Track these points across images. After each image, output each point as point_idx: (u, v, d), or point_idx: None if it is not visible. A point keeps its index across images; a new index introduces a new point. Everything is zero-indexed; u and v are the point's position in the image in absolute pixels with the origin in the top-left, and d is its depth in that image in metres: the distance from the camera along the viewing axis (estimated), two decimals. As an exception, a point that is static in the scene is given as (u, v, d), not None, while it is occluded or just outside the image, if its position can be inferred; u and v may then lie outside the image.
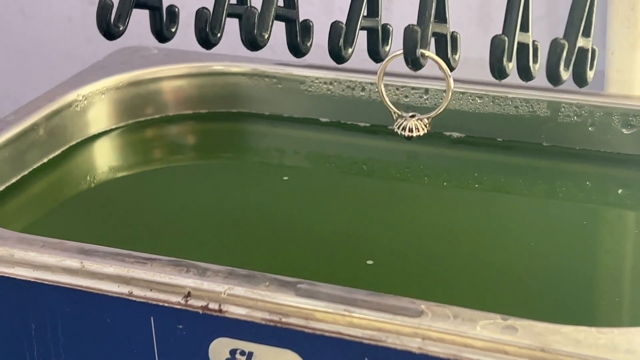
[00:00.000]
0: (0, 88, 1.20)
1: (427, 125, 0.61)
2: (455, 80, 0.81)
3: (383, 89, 0.61)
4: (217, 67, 0.86)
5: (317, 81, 0.84)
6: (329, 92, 0.84)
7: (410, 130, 0.61)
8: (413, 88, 0.81)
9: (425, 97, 0.81)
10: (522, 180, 0.78)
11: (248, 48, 0.62)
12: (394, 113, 0.61)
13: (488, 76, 0.85)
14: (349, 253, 0.68)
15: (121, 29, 0.64)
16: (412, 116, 0.61)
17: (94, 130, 0.83)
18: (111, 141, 0.84)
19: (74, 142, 0.81)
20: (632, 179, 0.76)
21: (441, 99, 0.81)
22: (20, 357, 0.61)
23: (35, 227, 0.71)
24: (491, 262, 0.67)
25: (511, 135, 0.80)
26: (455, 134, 0.81)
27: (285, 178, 0.78)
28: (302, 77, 0.84)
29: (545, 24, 0.94)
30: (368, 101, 0.83)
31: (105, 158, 0.83)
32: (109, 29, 0.63)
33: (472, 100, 0.80)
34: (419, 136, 0.61)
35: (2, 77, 1.19)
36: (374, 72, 0.74)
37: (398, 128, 0.61)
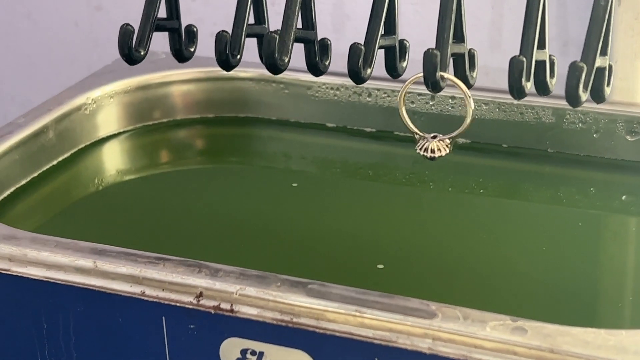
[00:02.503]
0: (5, 92, 1.21)
1: (449, 146, 0.62)
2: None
3: (405, 112, 0.62)
4: (225, 72, 0.86)
5: (324, 87, 0.85)
6: (336, 98, 0.85)
7: (433, 151, 0.61)
8: (420, 94, 0.82)
9: (431, 103, 0.82)
10: (527, 186, 0.78)
11: (270, 71, 0.62)
12: (416, 134, 0.62)
13: (493, 83, 0.86)
14: (359, 257, 0.68)
15: (142, 53, 0.65)
16: (434, 137, 0.62)
17: (102, 133, 0.84)
18: (120, 144, 0.85)
19: (83, 145, 0.82)
20: (636, 186, 0.76)
21: (447, 105, 0.82)
22: (32, 357, 0.61)
23: (44, 229, 0.71)
24: (497, 267, 0.67)
25: (516, 141, 0.80)
26: (461, 140, 0.81)
27: (295, 185, 0.78)
28: (309, 82, 0.85)
29: (555, 44, 0.95)
30: (374, 107, 0.84)
31: (113, 161, 0.84)
32: (131, 54, 0.64)
33: (478, 106, 0.81)
34: (441, 157, 0.61)
35: (8, 80, 1.20)
36: (380, 78, 0.75)
37: (420, 149, 0.62)
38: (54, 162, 0.79)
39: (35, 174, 0.77)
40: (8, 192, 0.74)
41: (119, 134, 0.85)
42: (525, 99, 0.79)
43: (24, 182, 0.76)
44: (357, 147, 0.85)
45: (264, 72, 0.86)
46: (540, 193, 0.77)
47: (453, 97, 0.81)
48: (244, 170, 0.85)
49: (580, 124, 0.78)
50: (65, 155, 0.80)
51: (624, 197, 0.76)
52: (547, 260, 0.68)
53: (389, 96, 0.83)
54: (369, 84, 0.83)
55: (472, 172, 0.80)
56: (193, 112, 0.88)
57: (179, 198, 0.78)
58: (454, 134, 0.61)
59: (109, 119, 0.84)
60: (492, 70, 0.91)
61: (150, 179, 0.82)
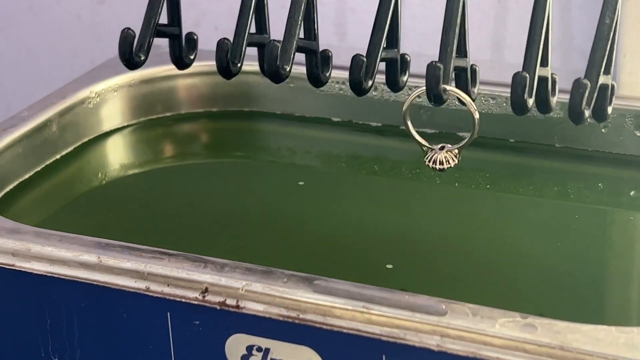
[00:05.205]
0: (7, 85, 1.20)
1: (457, 156, 0.61)
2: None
3: (410, 125, 0.61)
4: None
5: (329, 80, 0.84)
6: (341, 92, 0.84)
7: (441, 162, 0.61)
8: (426, 88, 0.81)
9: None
10: (534, 181, 0.78)
11: (271, 80, 0.62)
12: (424, 146, 0.62)
13: (500, 77, 0.85)
14: (367, 256, 0.68)
15: (142, 58, 0.65)
16: (442, 148, 0.62)
17: (106, 127, 0.84)
18: (123, 138, 0.84)
19: (86, 139, 0.82)
20: (644, 181, 0.76)
21: (452, 99, 0.81)
22: (35, 352, 0.61)
23: (48, 223, 0.71)
24: (505, 263, 0.67)
25: (524, 136, 0.80)
26: (468, 135, 0.81)
27: (300, 179, 0.78)
28: (314, 76, 0.84)
29: (559, 52, 0.95)
30: (380, 101, 0.83)
31: (117, 155, 0.84)
32: (131, 59, 0.64)
33: (485, 101, 0.80)
34: (450, 168, 0.61)
35: (10, 74, 1.19)
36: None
37: (429, 161, 0.61)
38: (58, 156, 0.79)
39: (39, 168, 0.77)
40: (11, 186, 0.74)
41: (123, 127, 0.85)
42: (533, 93, 0.79)
43: (27, 176, 0.75)
44: (363, 141, 0.84)
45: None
46: (548, 188, 0.77)
47: (460, 91, 0.80)
48: (249, 164, 0.84)
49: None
50: (69, 149, 0.80)
51: (632, 193, 0.75)
52: (555, 256, 0.68)
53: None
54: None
55: (479, 167, 0.79)
56: (197, 106, 0.87)
57: (183, 192, 0.78)
58: (461, 144, 0.61)
59: (112, 113, 0.84)
60: (498, 64, 0.91)
61: (155, 173, 0.81)
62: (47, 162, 0.77)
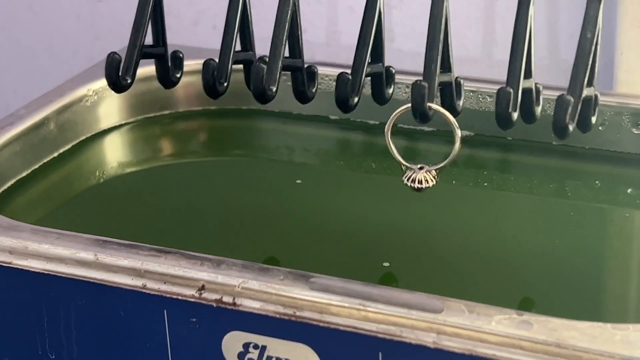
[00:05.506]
0: (6, 84, 1.20)
1: (436, 177, 0.62)
2: (465, 79, 0.82)
3: (391, 143, 0.62)
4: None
5: (326, 79, 0.84)
6: (338, 90, 0.84)
7: (420, 182, 0.62)
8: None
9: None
10: (532, 179, 0.78)
11: (258, 101, 0.63)
12: (403, 165, 0.62)
13: (497, 75, 0.85)
14: (364, 254, 0.68)
15: (129, 81, 0.65)
16: (421, 168, 0.62)
17: (104, 125, 0.84)
18: (121, 136, 0.84)
19: (84, 137, 0.82)
20: (641, 179, 0.76)
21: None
22: (33, 350, 0.61)
23: (45, 221, 0.70)
24: (502, 261, 0.67)
25: (521, 134, 0.80)
26: (465, 133, 0.81)
27: (298, 178, 0.78)
28: (312, 74, 0.84)
29: (546, 66, 0.95)
30: (377, 99, 0.83)
31: (115, 153, 0.84)
32: (118, 83, 0.64)
33: (482, 98, 0.80)
34: (428, 188, 0.62)
35: (9, 73, 1.19)
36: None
37: (407, 180, 0.62)
38: (55, 154, 0.79)
39: (36, 166, 0.77)
40: (9, 184, 0.74)
41: (121, 125, 0.85)
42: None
43: (24, 174, 0.75)
44: (361, 139, 0.84)
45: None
46: (546, 186, 0.77)
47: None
48: (247, 162, 0.84)
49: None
50: (67, 147, 0.80)
51: (629, 190, 0.75)
52: (552, 254, 0.68)
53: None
54: (372, 76, 0.83)
55: (477, 165, 0.79)
56: (195, 104, 0.87)
57: (180, 190, 0.78)
58: (440, 165, 0.61)
59: (110, 111, 0.84)
60: (496, 62, 0.91)
61: (152, 172, 0.81)
62: (45, 160, 0.77)
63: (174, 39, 0.75)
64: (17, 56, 1.18)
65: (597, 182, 0.76)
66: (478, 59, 0.98)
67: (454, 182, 0.78)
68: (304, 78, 0.65)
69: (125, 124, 0.85)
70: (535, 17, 0.60)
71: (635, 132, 0.77)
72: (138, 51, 0.64)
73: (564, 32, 0.90)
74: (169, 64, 0.68)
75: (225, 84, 0.65)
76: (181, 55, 0.67)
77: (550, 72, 0.89)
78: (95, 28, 1.13)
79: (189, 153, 0.86)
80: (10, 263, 0.60)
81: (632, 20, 0.85)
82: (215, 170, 0.81)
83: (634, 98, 0.78)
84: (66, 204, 0.75)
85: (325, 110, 0.85)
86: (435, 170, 0.62)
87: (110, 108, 0.84)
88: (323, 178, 0.80)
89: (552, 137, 0.79)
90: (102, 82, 0.83)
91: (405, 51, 0.91)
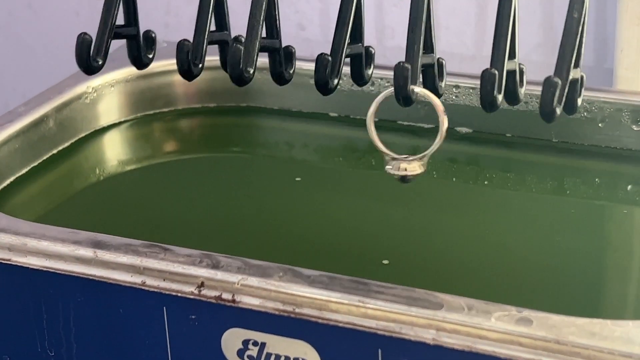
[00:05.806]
0: (6, 82, 1.20)
1: (423, 165, 0.59)
2: (464, 76, 0.82)
3: (373, 130, 0.59)
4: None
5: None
6: (338, 87, 0.84)
7: (405, 170, 0.59)
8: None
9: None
10: (531, 176, 0.78)
11: (235, 83, 0.61)
12: (386, 155, 0.60)
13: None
14: (363, 251, 0.68)
15: (100, 63, 0.64)
16: (405, 158, 0.60)
17: (103, 122, 0.84)
18: (120, 134, 0.84)
19: (83, 134, 0.82)
20: (641, 176, 0.76)
21: (451, 94, 0.81)
22: (32, 347, 0.61)
23: (45, 218, 0.71)
24: (502, 258, 0.67)
25: (520, 131, 0.80)
26: (464, 129, 0.81)
27: (297, 175, 0.78)
28: (311, 71, 0.83)
29: (542, 51, 0.95)
30: (377, 96, 0.83)
31: (114, 150, 0.84)
32: (89, 64, 0.63)
33: (482, 95, 0.80)
34: (414, 177, 0.59)
35: (9, 71, 1.19)
36: (383, 67, 0.74)
37: (392, 170, 0.59)
38: (54, 152, 0.79)
39: (36, 163, 0.77)
40: (8, 181, 0.74)
41: (120, 123, 0.85)
42: (530, 88, 0.79)
43: (24, 171, 0.75)
44: (360, 136, 0.84)
45: (266, 60, 0.86)
46: (545, 183, 0.77)
47: (457, 86, 0.81)
48: (246, 159, 0.84)
49: (585, 114, 0.78)
50: (66, 145, 0.80)
51: (629, 187, 0.75)
52: (552, 251, 0.68)
53: (392, 85, 0.82)
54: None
55: (476, 162, 0.79)
56: (194, 101, 0.87)
57: (180, 188, 0.78)
58: (424, 154, 0.59)
59: (109, 108, 0.84)
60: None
61: (151, 169, 0.81)
62: (44, 158, 0.77)
63: (174, 36, 0.74)
64: (17, 54, 1.18)
65: (596, 179, 0.76)
66: (477, 56, 0.98)
67: (453, 179, 0.78)
68: (281, 59, 0.64)
69: (125, 121, 0.85)
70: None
71: (635, 129, 0.77)
72: (109, 31, 0.63)
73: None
74: (141, 45, 0.67)
75: (200, 65, 0.63)
76: (153, 35, 0.66)
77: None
78: (95, 25, 1.12)
79: (188, 150, 0.86)
80: (9, 260, 0.60)
81: (632, 18, 0.85)
82: (215, 167, 0.81)
83: (634, 95, 0.78)
84: (65, 201, 0.75)
85: (324, 107, 0.85)
86: (420, 159, 0.59)
87: (110, 105, 0.84)
88: (322, 175, 0.80)
89: (552, 134, 0.79)
90: (102, 79, 0.83)
91: (402, 45, 0.91)
